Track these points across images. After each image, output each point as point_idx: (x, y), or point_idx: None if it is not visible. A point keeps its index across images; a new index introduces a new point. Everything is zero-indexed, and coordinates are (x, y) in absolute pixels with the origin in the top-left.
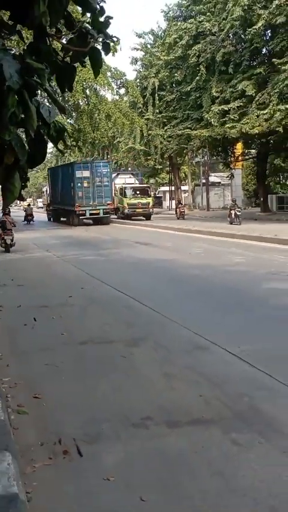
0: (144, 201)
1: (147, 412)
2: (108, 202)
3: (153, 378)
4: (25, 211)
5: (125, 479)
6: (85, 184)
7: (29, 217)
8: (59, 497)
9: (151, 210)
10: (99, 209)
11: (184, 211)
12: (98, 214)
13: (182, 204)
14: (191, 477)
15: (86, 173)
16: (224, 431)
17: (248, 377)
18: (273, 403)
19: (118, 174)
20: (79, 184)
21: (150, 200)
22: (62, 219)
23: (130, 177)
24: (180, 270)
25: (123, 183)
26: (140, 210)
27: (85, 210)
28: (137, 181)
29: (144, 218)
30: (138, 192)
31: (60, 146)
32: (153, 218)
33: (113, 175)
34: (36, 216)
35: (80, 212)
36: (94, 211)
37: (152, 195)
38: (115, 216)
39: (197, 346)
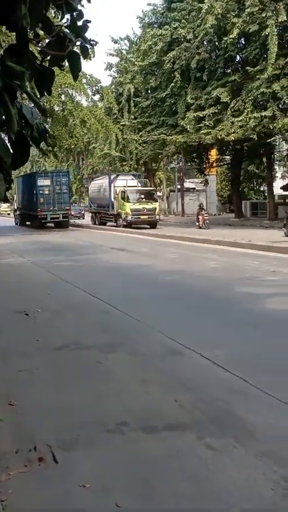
0: (149, 206)
1: (123, 418)
2: (67, 207)
3: (128, 383)
4: None
5: (101, 485)
6: (46, 192)
7: None
8: (35, 504)
9: (158, 216)
10: (59, 214)
11: (208, 219)
12: (58, 218)
13: (205, 210)
14: (166, 482)
15: (47, 182)
16: (198, 436)
17: (223, 381)
18: (247, 407)
19: (118, 176)
20: (41, 192)
21: (156, 205)
22: (27, 222)
23: (132, 179)
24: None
25: (124, 186)
26: (146, 216)
27: (46, 215)
28: (139, 184)
29: (148, 226)
30: (143, 196)
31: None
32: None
33: (112, 176)
34: (4, 221)
35: (42, 216)
36: (54, 216)
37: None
38: (114, 224)
39: (172, 351)
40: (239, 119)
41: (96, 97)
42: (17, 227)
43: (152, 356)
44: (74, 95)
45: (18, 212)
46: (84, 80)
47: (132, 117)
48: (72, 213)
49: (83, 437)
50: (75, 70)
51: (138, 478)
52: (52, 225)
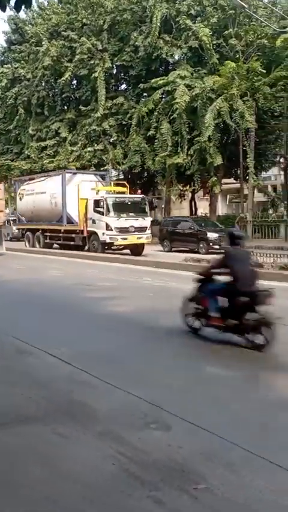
0: None
1: None
2: None
3: None
4: None
5: None
6: None
7: None
8: None
9: None
10: None
11: None
12: None
13: None
14: (23, 470)
15: None
16: (50, 426)
17: (69, 375)
18: (91, 395)
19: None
20: None
21: None
22: None
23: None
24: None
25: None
26: None
27: None
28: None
29: None
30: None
31: None
32: None
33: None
34: None
35: None
36: None
37: None
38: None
39: (22, 351)
40: (75, 149)
41: None
42: None
43: (2, 357)
44: None
45: None
46: None
47: None
48: None
49: None
50: None
51: None
52: None
